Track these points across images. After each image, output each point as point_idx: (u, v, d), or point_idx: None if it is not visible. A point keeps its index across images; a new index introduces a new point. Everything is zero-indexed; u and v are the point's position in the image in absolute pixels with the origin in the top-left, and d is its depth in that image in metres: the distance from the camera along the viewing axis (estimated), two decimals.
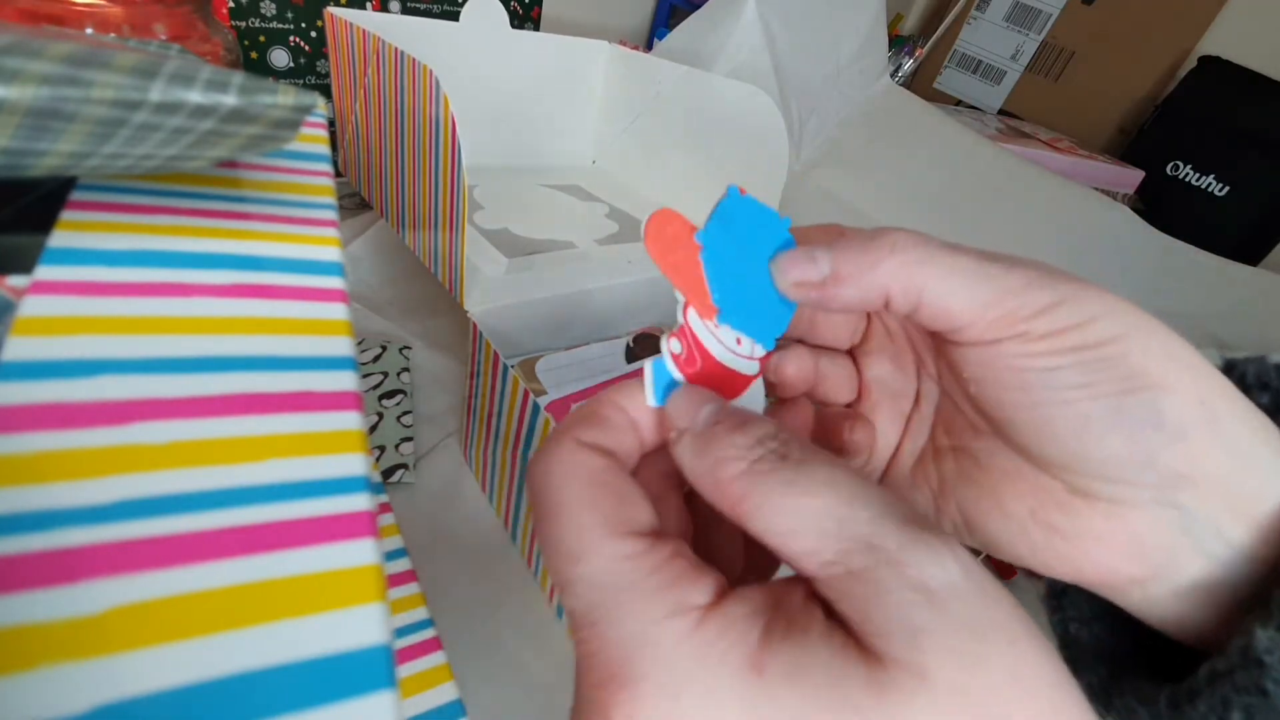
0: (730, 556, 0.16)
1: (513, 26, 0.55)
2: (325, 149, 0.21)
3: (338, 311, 0.15)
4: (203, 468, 0.11)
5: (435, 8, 0.76)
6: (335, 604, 0.10)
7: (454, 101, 0.33)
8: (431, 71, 0.34)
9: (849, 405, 0.19)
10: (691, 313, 0.15)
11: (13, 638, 0.08)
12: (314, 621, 0.10)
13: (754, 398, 0.16)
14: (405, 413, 0.45)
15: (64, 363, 0.12)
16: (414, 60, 0.35)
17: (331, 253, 0.17)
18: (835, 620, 0.11)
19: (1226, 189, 0.88)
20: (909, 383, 0.18)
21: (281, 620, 0.10)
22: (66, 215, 0.15)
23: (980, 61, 1.07)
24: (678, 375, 0.15)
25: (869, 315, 0.18)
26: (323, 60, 0.69)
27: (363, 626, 0.10)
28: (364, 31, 0.42)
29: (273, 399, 0.13)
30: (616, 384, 0.15)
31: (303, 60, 0.68)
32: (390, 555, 0.29)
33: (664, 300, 0.46)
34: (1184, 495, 0.13)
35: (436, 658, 0.25)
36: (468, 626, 0.35)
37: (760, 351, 0.16)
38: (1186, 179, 0.90)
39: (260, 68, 0.66)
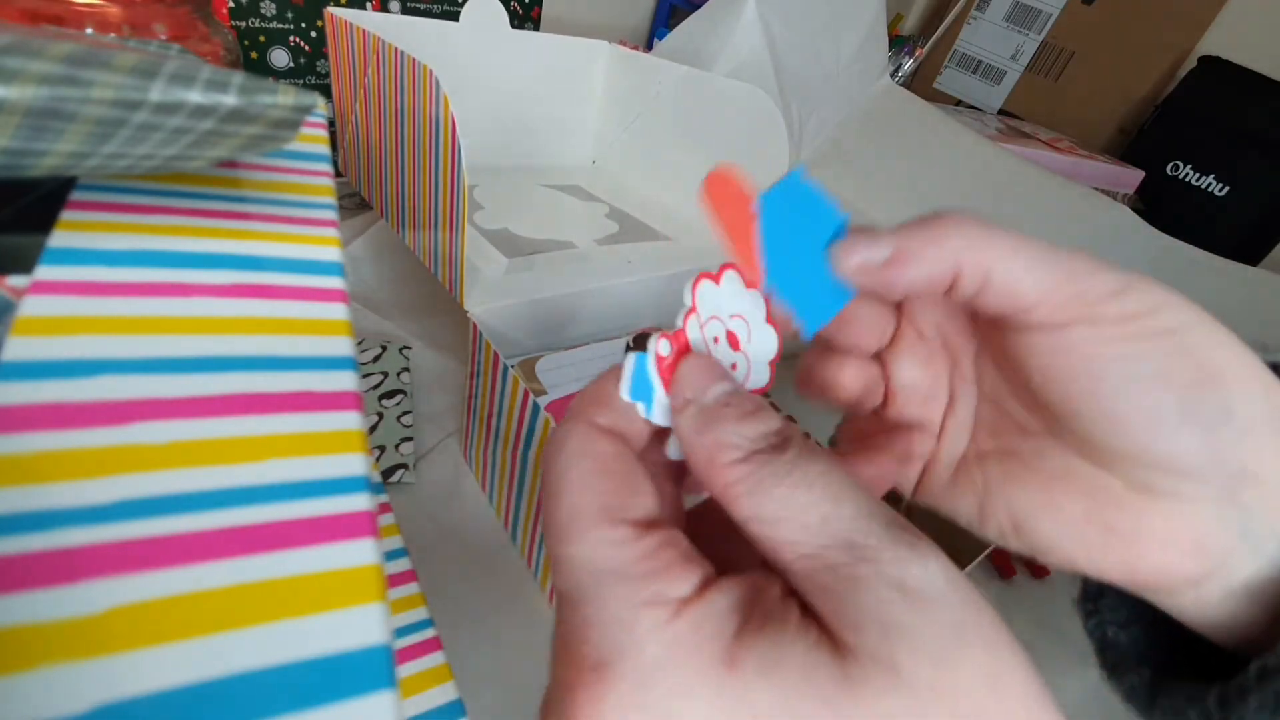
0: (723, 538, 0.16)
1: (513, 26, 0.55)
2: (325, 149, 0.21)
3: (338, 311, 0.15)
4: (203, 468, 0.11)
5: (435, 8, 0.76)
6: (335, 604, 0.10)
7: (454, 101, 0.33)
8: (431, 71, 0.34)
9: (875, 411, 0.18)
10: (693, 325, 0.15)
11: (13, 638, 0.08)
12: (314, 621, 0.10)
13: None
14: (405, 413, 0.45)
15: (64, 363, 0.12)
16: (414, 60, 0.35)
17: (331, 253, 0.17)
18: (810, 616, 0.11)
19: (1226, 189, 0.88)
20: (941, 387, 0.18)
21: (282, 620, 0.10)
22: (66, 215, 0.15)
23: (980, 61, 1.07)
24: (655, 379, 0.14)
25: (899, 318, 0.17)
26: (323, 60, 0.69)
27: (363, 626, 0.10)
28: (364, 31, 0.42)
29: (273, 399, 0.13)
30: None
31: (303, 60, 0.68)
32: (390, 555, 0.28)
33: (664, 300, 0.46)
34: (1247, 493, 0.13)
35: (436, 658, 0.25)
36: (468, 626, 0.34)
37: (755, 385, 0.15)
38: (1186, 179, 0.90)
39: (260, 68, 0.66)
